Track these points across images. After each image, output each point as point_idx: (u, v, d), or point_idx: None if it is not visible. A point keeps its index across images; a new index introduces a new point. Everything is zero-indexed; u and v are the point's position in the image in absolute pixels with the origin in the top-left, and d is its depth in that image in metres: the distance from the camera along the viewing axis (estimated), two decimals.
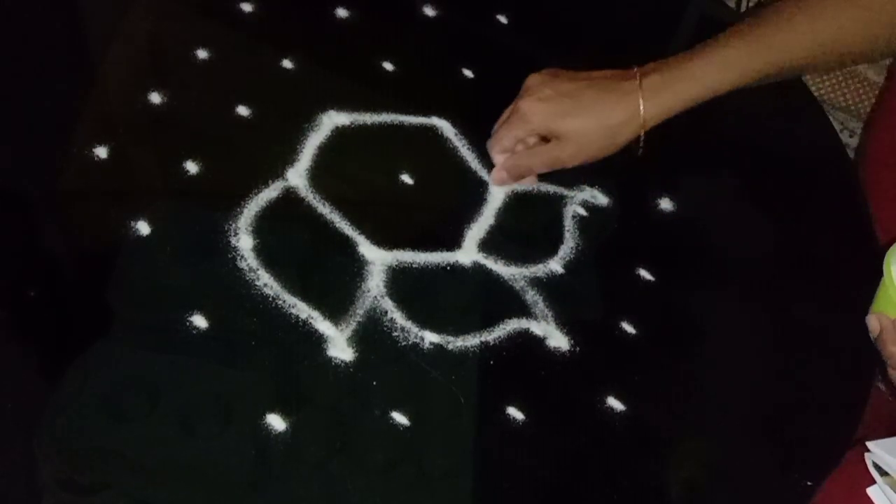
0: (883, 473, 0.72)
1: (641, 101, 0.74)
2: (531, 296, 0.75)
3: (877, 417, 0.79)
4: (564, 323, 0.73)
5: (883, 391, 0.83)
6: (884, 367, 0.75)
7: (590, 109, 0.76)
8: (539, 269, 0.77)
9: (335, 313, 0.71)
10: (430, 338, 0.71)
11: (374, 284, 0.73)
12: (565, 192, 0.82)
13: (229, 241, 0.74)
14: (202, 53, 0.86)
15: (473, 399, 0.68)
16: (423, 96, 0.86)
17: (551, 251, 0.78)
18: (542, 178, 0.82)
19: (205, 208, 0.76)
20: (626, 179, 0.84)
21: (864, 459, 0.73)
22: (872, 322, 0.74)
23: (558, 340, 0.73)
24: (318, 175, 0.79)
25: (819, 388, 0.74)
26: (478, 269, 0.76)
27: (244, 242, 0.74)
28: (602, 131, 0.76)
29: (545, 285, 0.75)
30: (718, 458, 0.70)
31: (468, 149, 0.83)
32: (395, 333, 0.71)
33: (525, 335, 0.73)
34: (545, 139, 0.78)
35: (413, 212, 0.81)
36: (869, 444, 0.72)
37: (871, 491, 0.73)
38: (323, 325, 0.70)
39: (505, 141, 0.78)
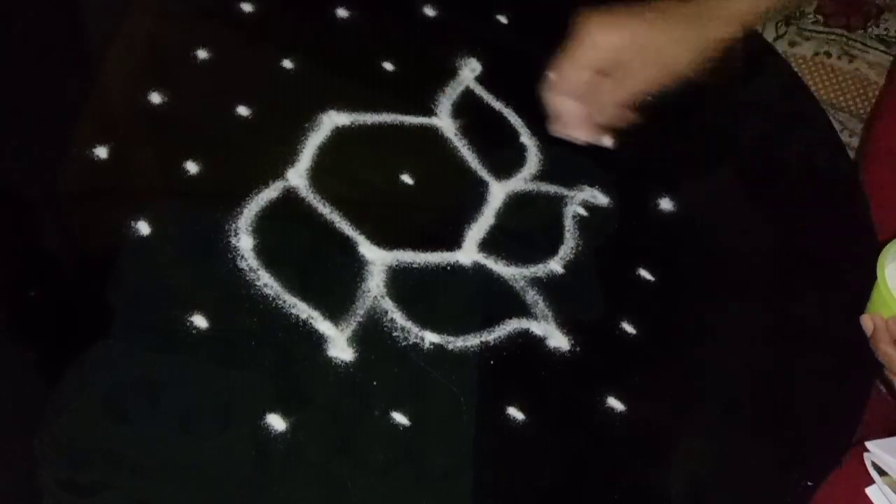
0: (882, 473, 0.72)
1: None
2: (531, 296, 0.75)
3: (877, 417, 0.79)
4: (564, 323, 0.73)
5: (883, 391, 0.83)
6: (881, 368, 0.75)
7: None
8: (539, 269, 0.77)
9: (335, 313, 0.71)
10: (431, 338, 0.71)
11: (375, 284, 0.73)
12: (565, 192, 0.82)
13: (229, 241, 0.74)
14: (202, 53, 0.86)
15: (473, 399, 0.68)
16: (423, 96, 0.86)
17: (551, 251, 0.78)
18: (542, 178, 0.82)
19: (205, 208, 0.76)
20: (626, 179, 0.84)
21: (863, 459, 0.73)
22: (866, 322, 0.74)
23: (558, 340, 0.73)
24: (318, 175, 0.79)
25: (819, 388, 0.74)
26: (478, 269, 0.76)
27: (244, 242, 0.74)
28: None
29: (545, 285, 0.75)
30: (718, 458, 0.70)
31: (468, 149, 0.83)
32: (395, 333, 0.71)
33: (525, 335, 0.73)
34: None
35: (413, 212, 0.81)
36: (868, 444, 0.72)
37: (871, 491, 0.73)
38: (323, 326, 0.70)
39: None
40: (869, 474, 0.72)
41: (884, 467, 0.72)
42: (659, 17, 0.76)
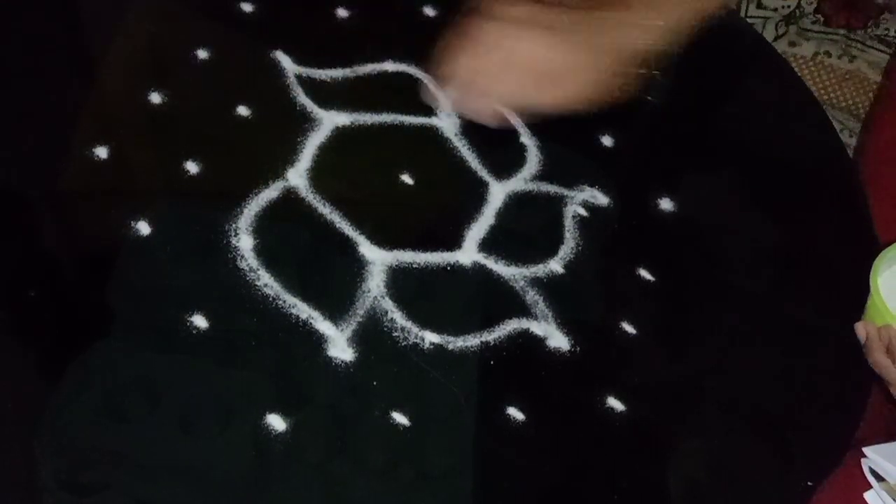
0: (880, 479, 0.72)
1: None
2: (531, 296, 0.75)
3: (877, 418, 0.79)
4: (564, 323, 0.73)
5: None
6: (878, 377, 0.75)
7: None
8: (539, 269, 0.77)
9: (335, 313, 0.71)
10: (431, 338, 0.71)
11: (375, 284, 0.73)
12: (565, 192, 0.82)
13: (229, 241, 0.74)
14: (202, 53, 0.86)
15: (473, 399, 0.68)
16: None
17: (551, 251, 0.78)
18: (542, 178, 0.82)
19: (205, 208, 0.76)
20: (626, 179, 0.84)
21: (861, 465, 0.73)
22: (860, 330, 0.74)
23: (558, 340, 0.73)
24: (318, 175, 0.79)
25: (819, 388, 0.74)
26: (478, 269, 0.76)
27: (244, 242, 0.74)
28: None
29: (545, 285, 0.75)
30: (718, 458, 0.70)
31: (468, 149, 0.83)
32: (395, 333, 0.71)
33: (525, 335, 0.73)
34: None
35: (413, 212, 0.81)
36: (866, 450, 0.72)
37: (868, 496, 0.73)
38: (323, 326, 0.70)
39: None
40: (866, 480, 0.72)
41: (881, 473, 0.72)
42: (559, 28, 0.73)
